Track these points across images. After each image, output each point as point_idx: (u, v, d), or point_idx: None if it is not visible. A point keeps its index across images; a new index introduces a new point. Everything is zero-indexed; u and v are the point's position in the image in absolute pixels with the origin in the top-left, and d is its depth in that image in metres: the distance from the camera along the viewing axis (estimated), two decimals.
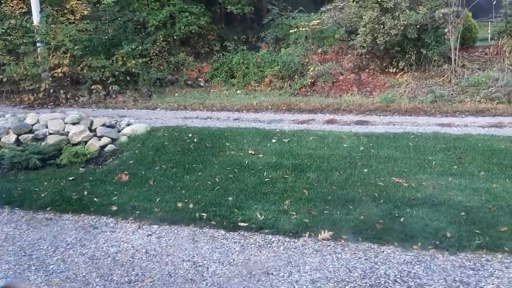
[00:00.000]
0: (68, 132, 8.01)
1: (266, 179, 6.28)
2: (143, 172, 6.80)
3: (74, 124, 8.16)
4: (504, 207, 5.17)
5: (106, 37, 14.13)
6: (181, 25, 15.42)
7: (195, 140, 8.10)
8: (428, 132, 8.32)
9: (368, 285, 3.87)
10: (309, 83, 12.93)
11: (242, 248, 4.60)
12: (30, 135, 8.05)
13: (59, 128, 8.08)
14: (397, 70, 12.92)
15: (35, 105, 12.66)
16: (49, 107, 12.44)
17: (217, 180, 6.35)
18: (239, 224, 5.06)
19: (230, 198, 5.71)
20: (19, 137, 8.04)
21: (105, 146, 7.88)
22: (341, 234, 4.71)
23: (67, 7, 14.41)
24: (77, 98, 12.96)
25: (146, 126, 8.81)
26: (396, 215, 5.06)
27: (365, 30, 12.43)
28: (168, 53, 15.52)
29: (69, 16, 14.24)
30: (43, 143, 7.70)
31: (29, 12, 13.73)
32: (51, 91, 12.87)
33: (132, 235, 5.00)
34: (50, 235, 5.06)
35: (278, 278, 4.04)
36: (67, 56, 12.76)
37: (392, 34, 12.12)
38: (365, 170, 6.44)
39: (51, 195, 6.06)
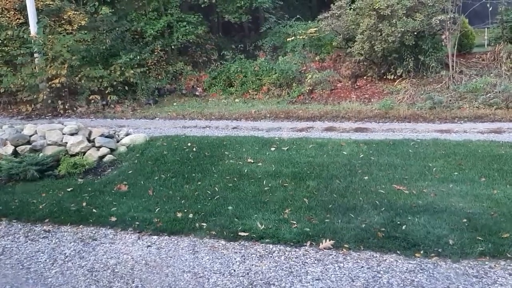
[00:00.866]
0: (66, 142, 7.97)
1: (265, 188, 6.24)
2: (142, 182, 6.75)
3: (72, 134, 8.12)
4: (505, 213, 5.14)
5: (104, 47, 14.13)
6: (179, 34, 15.45)
7: (194, 149, 8.07)
8: (427, 138, 8.30)
9: None
10: (307, 91, 12.94)
11: (242, 258, 4.55)
12: (28, 146, 8.00)
13: (57, 139, 8.04)
14: (395, 77, 12.94)
15: (33, 116, 12.63)
16: (47, 117, 12.40)
17: (217, 189, 6.31)
18: (239, 233, 5.01)
19: (230, 208, 5.67)
20: (17, 148, 7.99)
21: (103, 156, 7.84)
22: (343, 243, 4.66)
23: (65, 17, 14.42)
24: (75, 109, 12.93)
25: (145, 136, 8.78)
26: (398, 222, 5.02)
27: (363, 38, 12.46)
28: (166, 62, 15.53)
29: (66, 26, 14.24)
30: (41, 154, 7.65)
31: (26, 23, 13.73)
32: (49, 101, 12.84)
33: (132, 246, 4.94)
34: (48, 248, 5.00)
35: None
36: (64, 67, 12.75)
37: (390, 41, 12.15)
38: (366, 178, 6.41)
39: (49, 207, 6.01)
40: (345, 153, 7.57)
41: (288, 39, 14.84)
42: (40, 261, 4.71)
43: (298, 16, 16.48)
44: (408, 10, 12.34)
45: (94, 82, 13.07)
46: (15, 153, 7.91)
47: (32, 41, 13.11)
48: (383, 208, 5.39)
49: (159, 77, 14.97)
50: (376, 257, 4.44)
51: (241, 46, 16.92)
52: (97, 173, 7.29)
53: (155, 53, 15.05)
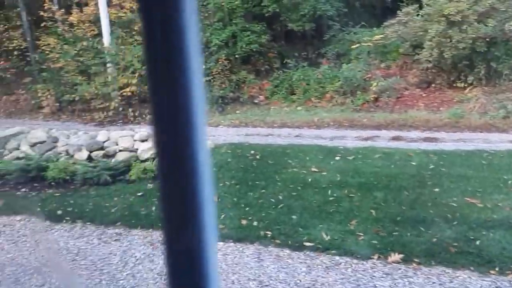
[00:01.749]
0: (137, 149, 8.29)
1: (330, 198, 6.16)
2: None
3: (143, 141, 8.44)
4: None
5: None
6: (242, 43, 15.68)
7: (257, 157, 8.13)
8: (502, 149, 7.88)
9: None
10: (372, 99, 12.68)
11: (308, 269, 4.51)
12: (101, 152, 8.40)
13: (129, 145, 8.39)
14: (466, 85, 12.39)
15: (105, 123, 13.26)
16: (118, 124, 12.98)
17: (281, 197, 6.31)
18: (304, 243, 4.97)
19: (294, 217, 5.64)
20: (91, 154, 8.41)
21: None
22: (413, 257, 4.50)
23: (135, 29, 15.07)
24: (144, 116, 13.44)
25: (209, 143, 8.96)
26: (471, 237, 4.78)
27: (431, 44, 12.06)
28: (229, 71, 15.80)
29: (137, 37, 14.87)
30: (113, 160, 8.01)
31: (100, 34, 14.48)
32: (120, 109, 13.44)
33: None
34: (120, 250, 5.21)
35: None
36: (135, 76, 13.31)
37: (460, 47, 11.67)
38: (436, 190, 6.16)
39: (121, 211, 6.26)
40: (413, 163, 7.33)
41: (352, 46, 14.63)
42: (112, 263, 4.91)
43: (363, 23, 16.22)
44: (479, 16, 11.80)
45: None
46: (89, 158, 8.34)
47: (105, 51, 13.80)
48: (455, 222, 5.16)
49: (223, 85, 15.25)
50: (449, 273, 4.25)
51: (304, 54, 16.88)
52: None
53: (219, 62, 15.36)
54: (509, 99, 11.12)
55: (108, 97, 13.49)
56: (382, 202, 5.87)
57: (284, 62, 16.21)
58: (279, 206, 6.01)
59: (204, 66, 14.37)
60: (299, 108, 13.56)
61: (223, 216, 5.83)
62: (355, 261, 4.58)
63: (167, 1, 0.52)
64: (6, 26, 17.78)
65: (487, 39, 11.72)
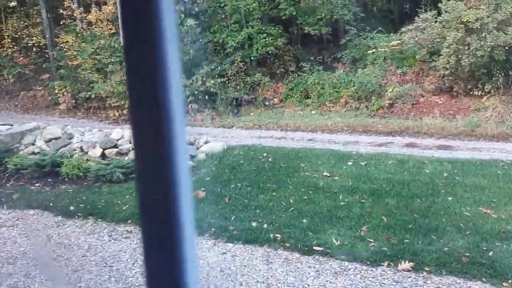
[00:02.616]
0: None
1: (341, 203, 6.13)
2: (219, 189, 6.89)
3: None
4: None
5: (187, 58, 14.68)
6: (258, 46, 15.69)
7: (269, 159, 8.12)
8: None
9: None
10: (387, 105, 12.58)
11: (317, 273, 4.48)
12: (115, 150, 8.46)
13: None
14: (483, 93, 12.22)
15: (120, 121, 13.37)
16: (130, 124, 13.04)
17: (291, 201, 6.29)
18: (313, 248, 4.94)
19: (304, 221, 5.62)
20: (105, 151, 8.48)
21: None
22: (423, 266, 4.45)
23: None
24: None
25: (222, 144, 8.98)
26: (484, 248, 4.71)
27: (449, 51, 11.93)
28: (245, 73, 15.82)
29: None
30: (126, 158, 8.06)
31: (117, 33, 14.60)
32: None
33: (208, 252, 5.04)
34: (130, 248, 5.24)
35: None
36: None
37: (478, 55, 11.53)
38: (450, 199, 6.08)
39: (132, 209, 6.28)
40: (427, 171, 7.25)
41: (368, 52, 14.54)
42: (122, 261, 4.94)
43: (379, 28, 16.12)
44: (499, 24, 11.65)
45: None
46: (103, 156, 8.41)
47: (123, 50, 13.89)
48: (468, 232, 5.08)
49: (238, 87, 15.27)
50: (460, 283, 4.19)
51: (320, 58, 16.84)
52: None
53: (235, 64, 15.38)
54: None
55: (123, 96, 13.59)
56: (394, 209, 5.81)
57: (300, 65, 16.18)
58: (290, 210, 5.99)
59: (219, 68, 14.42)
60: (313, 112, 13.52)
61: (233, 217, 5.84)
62: (364, 267, 4.54)
63: None
64: (26, 23, 18.05)
65: (506, 48, 11.54)
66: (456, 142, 9.49)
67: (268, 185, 6.95)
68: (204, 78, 13.98)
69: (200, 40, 14.99)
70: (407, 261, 4.50)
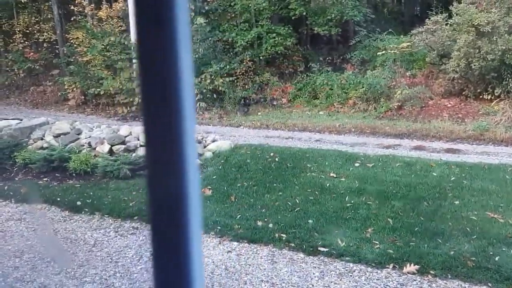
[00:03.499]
0: None
1: (348, 204, 6.11)
2: (225, 188, 6.91)
3: None
4: None
5: (197, 56, 14.71)
6: (267, 45, 15.69)
7: (276, 159, 8.11)
8: None
9: None
10: (395, 107, 12.53)
11: (321, 274, 4.48)
12: (123, 146, 8.50)
13: None
14: (493, 97, 12.13)
15: (128, 118, 13.43)
16: (141, 120, 13.10)
17: (297, 201, 6.29)
18: (319, 248, 4.94)
19: (310, 221, 5.62)
20: (112, 148, 8.52)
21: None
22: (429, 269, 4.43)
23: None
24: None
25: (230, 143, 8.99)
26: (491, 253, 4.68)
27: (459, 54, 11.86)
28: (253, 72, 15.83)
29: None
30: (133, 154, 8.10)
31: (127, 30, 14.68)
32: None
33: (213, 250, 5.06)
34: (135, 244, 5.26)
35: None
36: None
37: (489, 59, 11.45)
38: (457, 202, 6.05)
39: (139, 205, 6.32)
40: (434, 174, 7.21)
41: (378, 53, 14.49)
42: (128, 256, 4.96)
43: (390, 30, 16.06)
44: (510, 27, 11.56)
45: None
46: (110, 152, 8.45)
47: (132, 47, 13.96)
48: (475, 236, 5.05)
49: (246, 86, 15.28)
50: (465, 287, 4.17)
51: (329, 59, 16.80)
52: None
53: (244, 63, 15.39)
54: None
55: (132, 93, 13.66)
56: (400, 212, 5.80)
57: (309, 66, 16.16)
58: (296, 210, 5.98)
59: (228, 67, 14.44)
60: (321, 112, 13.50)
61: (239, 216, 5.85)
62: (369, 269, 4.53)
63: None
64: (37, 19, 18.19)
65: None
66: (464, 146, 9.43)
67: (274, 184, 6.96)
68: (212, 77, 14.01)
69: (210, 38, 15.01)
70: (412, 264, 4.49)
